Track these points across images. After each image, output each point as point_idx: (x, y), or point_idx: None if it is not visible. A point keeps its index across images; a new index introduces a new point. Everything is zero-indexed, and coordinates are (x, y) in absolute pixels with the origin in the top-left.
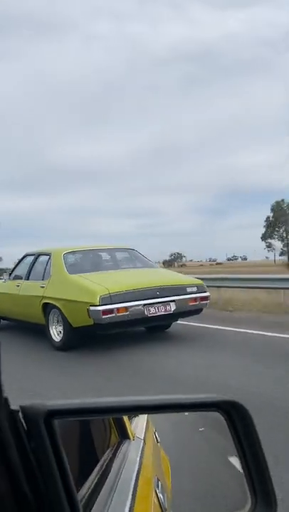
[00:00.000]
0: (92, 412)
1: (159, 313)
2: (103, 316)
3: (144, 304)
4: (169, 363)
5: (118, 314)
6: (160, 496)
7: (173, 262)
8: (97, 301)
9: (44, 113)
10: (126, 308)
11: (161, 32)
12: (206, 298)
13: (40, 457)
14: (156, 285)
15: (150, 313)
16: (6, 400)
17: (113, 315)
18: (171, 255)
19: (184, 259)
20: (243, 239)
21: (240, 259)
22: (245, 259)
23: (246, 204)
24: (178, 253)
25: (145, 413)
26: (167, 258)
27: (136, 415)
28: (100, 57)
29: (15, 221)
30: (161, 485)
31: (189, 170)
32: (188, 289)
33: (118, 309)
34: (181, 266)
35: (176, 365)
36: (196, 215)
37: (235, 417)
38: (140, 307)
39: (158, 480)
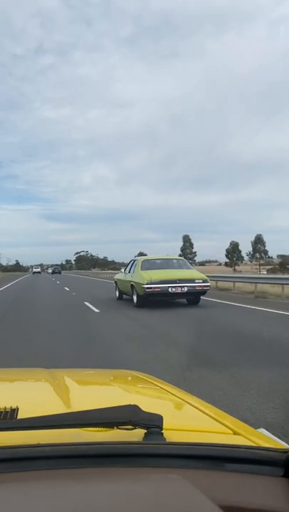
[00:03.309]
0: None
1: (176, 292)
2: (147, 290)
3: (169, 286)
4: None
5: (154, 290)
6: None
7: None
8: (145, 283)
9: (224, 108)
10: (159, 288)
11: None
12: (207, 286)
13: None
14: (177, 278)
15: (172, 291)
16: None
17: (152, 290)
18: None
19: None
20: None
21: None
22: None
23: None
24: None
25: None
26: None
27: None
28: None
29: (196, 217)
30: None
31: None
32: (196, 281)
33: (154, 287)
34: None
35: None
36: None
37: None
38: (166, 288)
39: None
